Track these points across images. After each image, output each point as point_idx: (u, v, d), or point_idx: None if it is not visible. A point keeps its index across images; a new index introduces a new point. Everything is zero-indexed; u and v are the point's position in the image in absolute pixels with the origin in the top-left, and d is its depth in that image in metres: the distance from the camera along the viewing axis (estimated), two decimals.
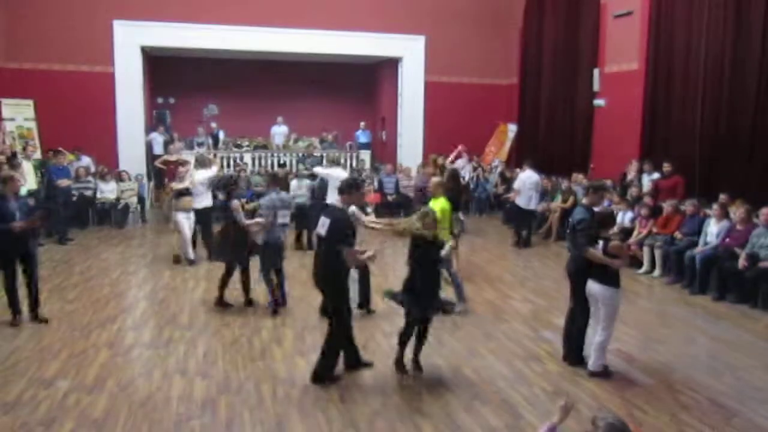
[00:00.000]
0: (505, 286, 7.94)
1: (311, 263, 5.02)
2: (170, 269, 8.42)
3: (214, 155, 14.40)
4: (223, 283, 6.74)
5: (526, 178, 10.49)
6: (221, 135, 16.29)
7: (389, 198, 13.17)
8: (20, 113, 11.76)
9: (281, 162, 15.04)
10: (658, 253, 8.42)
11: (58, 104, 12.41)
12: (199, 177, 8.74)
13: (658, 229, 8.60)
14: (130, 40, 13.30)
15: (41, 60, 12.88)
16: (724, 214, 7.89)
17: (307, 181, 9.95)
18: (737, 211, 7.76)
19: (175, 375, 4.97)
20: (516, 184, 10.77)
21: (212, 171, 9.14)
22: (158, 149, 14.05)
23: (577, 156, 12.71)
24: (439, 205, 6.41)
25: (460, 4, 14.90)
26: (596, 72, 12.23)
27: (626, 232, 8.75)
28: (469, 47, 15.08)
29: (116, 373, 4.97)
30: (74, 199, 11.29)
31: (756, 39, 8.90)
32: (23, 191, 7.46)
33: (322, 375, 4.80)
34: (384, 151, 17.14)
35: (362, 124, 17.12)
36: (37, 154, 10.94)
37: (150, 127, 14.78)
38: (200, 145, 15.22)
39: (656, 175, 9.83)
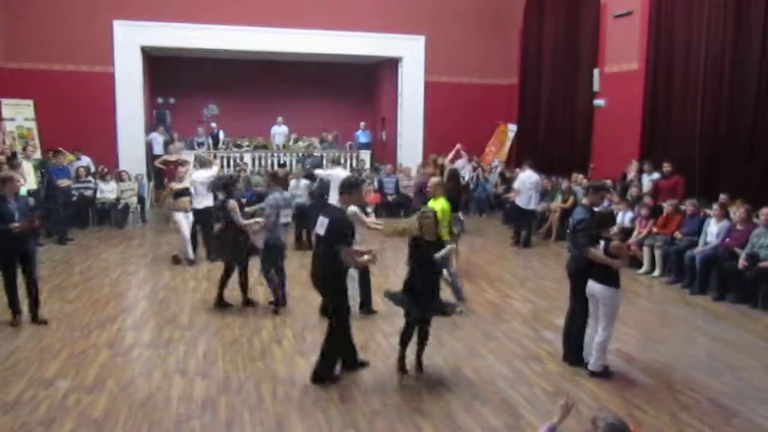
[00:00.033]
0: (505, 286, 7.94)
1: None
2: (170, 269, 8.43)
3: (214, 155, 14.42)
4: (223, 283, 6.75)
5: (526, 178, 10.49)
6: (221, 135, 16.29)
7: (389, 198, 13.19)
8: (20, 113, 11.76)
9: (281, 162, 15.07)
10: (658, 253, 8.42)
11: (58, 104, 12.41)
12: (199, 177, 8.75)
13: (658, 229, 8.60)
14: (130, 40, 13.30)
15: (41, 60, 12.88)
16: (724, 214, 7.89)
17: (304, 182, 9.95)
18: (737, 211, 7.76)
19: (175, 375, 4.97)
20: (516, 184, 10.77)
21: (213, 171, 9.15)
22: (158, 149, 14.05)
23: (577, 156, 12.72)
24: (438, 205, 6.41)
25: (460, 4, 14.90)
26: (596, 72, 12.23)
27: (626, 232, 8.75)
28: (469, 47, 15.09)
29: (116, 373, 4.97)
30: (74, 199, 11.29)
31: (756, 39, 8.90)
32: (23, 191, 7.45)
33: (322, 375, 4.80)
34: (384, 151, 17.14)
35: (362, 124, 17.13)
36: (37, 154, 10.95)
37: (150, 127, 14.79)
38: (200, 145, 15.24)
39: (656, 175, 9.83)
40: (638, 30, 11.14)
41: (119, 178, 12.19)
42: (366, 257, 4.90)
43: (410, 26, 14.70)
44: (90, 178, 11.89)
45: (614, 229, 5.15)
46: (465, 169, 13.23)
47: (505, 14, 15.17)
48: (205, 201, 8.65)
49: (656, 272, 8.41)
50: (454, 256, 7.07)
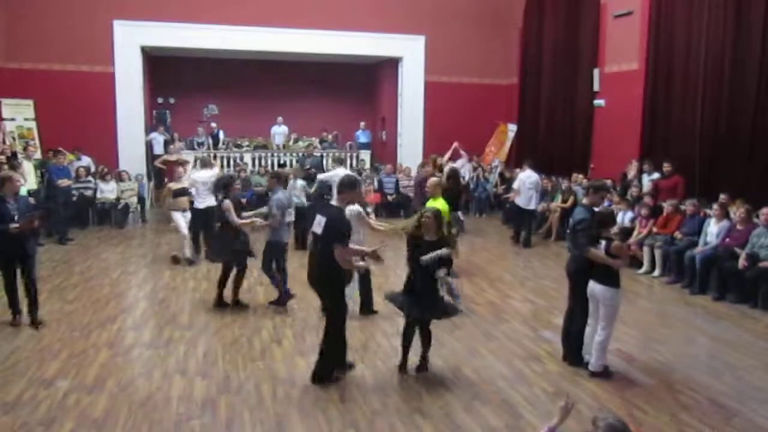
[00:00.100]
0: (505, 286, 7.94)
1: None
2: (170, 269, 8.43)
3: (214, 155, 14.45)
4: (222, 283, 6.76)
5: (526, 177, 10.50)
6: (221, 135, 16.30)
7: (389, 198, 13.19)
8: (20, 113, 11.77)
9: (281, 162, 15.08)
10: (658, 253, 8.42)
11: (58, 104, 12.41)
12: (201, 177, 8.77)
13: (658, 229, 8.60)
14: (130, 40, 13.30)
15: (41, 60, 12.88)
16: (724, 214, 7.89)
17: (300, 182, 9.95)
18: (737, 211, 7.76)
19: (175, 375, 4.97)
20: (515, 184, 10.79)
21: (215, 171, 9.18)
22: (158, 149, 14.06)
23: (577, 156, 12.72)
24: (437, 205, 6.40)
25: (460, 4, 14.90)
26: (596, 72, 12.23)
27: (626, 232, 8.73)
28: (469, 47, 15.09)
29: (116, 373, 4.97)
30: (74, 199, 11.30)
31: (756, 39, 8.90)
32: (23, 191, 7.45)
33: (322, 375, 4.80)
34: (384, 151, 17.14)
35: (362, 124, 17.13)
36: (38, 154, 10.95)
37: (150, 127, 14.79)
38: (200, 145, 15.26)
39: (656, 175, 9.83)
40: (638, 30, 11.14)
41: (119, 178, 12.19)
42: (361, 263, 4.89)
43: (410, 26, 14.70)
44: (90, 178, 11.89)
45: (614, 229, 5.14)
46: (465, 169, 13.23)
47: (505, 14, 15.16)
48: (207, 201, 8.66)
49: (656, 272, 8.41)
50: (454, 256, 7.07)
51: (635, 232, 8.77)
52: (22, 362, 5.16)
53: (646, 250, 8.61)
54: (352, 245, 5.26)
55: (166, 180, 10.86)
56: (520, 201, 10.47)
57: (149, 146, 14.23)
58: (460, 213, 9.25)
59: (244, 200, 12.52)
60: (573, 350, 5.25)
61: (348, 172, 9.74)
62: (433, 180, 7.43)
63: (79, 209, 11.40)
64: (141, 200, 12.42)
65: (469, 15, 14.98)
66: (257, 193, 13.03)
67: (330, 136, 17.35)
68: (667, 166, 9.53)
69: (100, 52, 13.10)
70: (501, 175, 13.85)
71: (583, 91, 12.64)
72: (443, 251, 4.78)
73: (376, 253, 4.96)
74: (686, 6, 10.09)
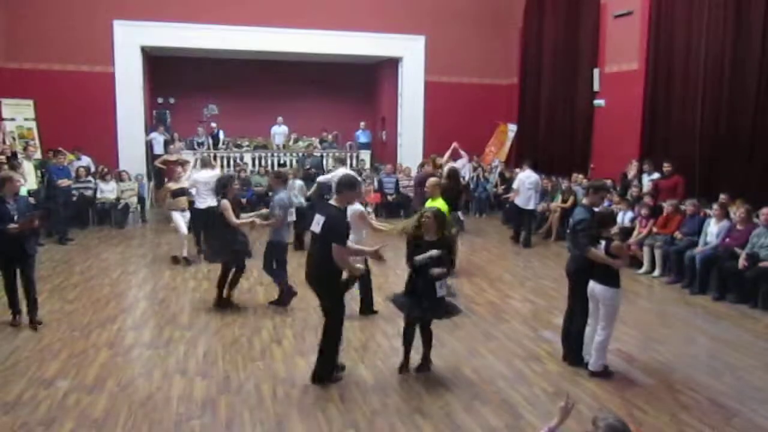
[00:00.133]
0: (505, 286, 7.95)
1: None
2: (170, 269, 8.44)
3: (214, 155, 14.45)
4: (221, 283, 6.76)
5: (525, 177, 10.52)
6: (221, 135, 16.30)
7: (389, 198, 13.19)
8: (20, 113, 11.78)
9: (281, 162, 15.08)
10: (658, 253, 8.42)
11: (58, 104, 12.41)
12: (202, 177, 8.78)
13: (658, 229, 8.60)
14: (130, 40, 13.30)
15: (41, 60, 12.88)
16: (724, 214, 7.89)
17: (298, 182, 9.95)
18: (737, 211, 7.76)
19: (175, 375, 4.97)
20: (515, 184, 10.81)
21: (216, 171, 9.20)
22: (158, 149, 14.06)
23: (577, 156, 12.72)
24: (436, 205, 6.41)
25: (460, 4, 14.90)
26: (596, 72, 12.23)
27: (626, 232, 8.74)
28: (469, 47, 15.08)
29: (116, 373, 4.97)
30: (74, 199, 11.30)
31: (756, 39, 8.90)
32: (23, 191, 7.45)
33: (322, 375, 4.80)
34: (384, 151, 17.14)
35: (362, 124, 17.12)
36: (38, 154, 10.96)
37: (150, 127, 14.78)
38: (200, 145, 15.26)
39: (656, 175, 9.83)
40: (638, 30, 11.14)
41: (119, 178, 12.20)
42: (358, 266, 4.88)
43: (410, 26, 14.70)
44: (90, 178, 11.90)
45: (614, 229, 5.14)
46: (465, 169, 13.24)
47: (505, 14, 15.16)
48: (208, 201, 8.66)
49: (656, 272, 8.41)
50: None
51: (635, 232, 8.78)
52: (22, 362, 5.16)
53: (646, 250, 8.61)
54: (353, 245, 5.27)
55: (166, 180, 10.87)
56: (519, 201, 10.49)
57: (149, 146, 14.23)
58: (460, 213, 9.25)
59: (244, 200, 12.60)
60: (573, 350, 5.25)
61: (349, 171, 9.74)
62: (432, 180, 7.43)
63: (79, 209, 11.41)
64: (141, 200, 12.42)
65: (469, 15, 14.98)
66: (257, 193, 13.04)
67: (330, 136, 17.35)
68: (667, 166, 9.52)
69: (100, 52, 13.10)
70: (501, 175, 13.85)
71: (583, 91, 12.64)
72: (434, 252, 4.79)
73: (378, 252, 4.96)
74: (686, 6, 10.09)
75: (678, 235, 8.31)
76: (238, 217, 6.66)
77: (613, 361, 5.27)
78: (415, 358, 5.10)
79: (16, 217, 5.70)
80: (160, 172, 12.45)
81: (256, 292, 7.35)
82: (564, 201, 10.88)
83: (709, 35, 9.63)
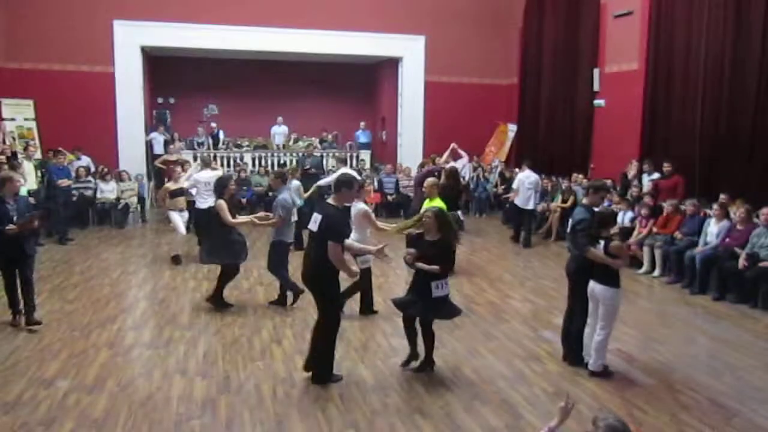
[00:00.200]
0: (505, 286, 7.95)
1: None
2: (170, 269, 8.44)
3: (214, 155, 14.46)
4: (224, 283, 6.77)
5: (525, 177, 10.53)
6: (221, 135, 16.30)
7: (389, 198, 13.19)
8: (20, 113, 11.78)
9: (281, 162, 15.08)
10: (658, 253, 8.42)
11: (58, 104, 12.41)
12: (203, 177, 8.79)
13: (658, 229, 8.60)
14: (130, 40, 13.30)
15: (41, 60, 12.88)
16: (724, 214, 7.89)
17: (296, 182, 9.95)
18: (737, 211, 7.76)
19: (175, 375, 4.97)
20: (514, 184, 10.82)
21: (218, 171, 9.21)
22: (158, 149, 14.06)
23: (577, 156, 12.72)
24: (434, 205, 6.42)
25: (460, 4, 14.90)
26: (596, 72, 12.23)
27: (626, 232, 8.75)
28: (469, 47, 15.08)
29: (116, 373, 4.97)
30: (74, 199, 11.31)
31: (756, 39, 8.90)
32: (23, 191, 7.45)
33: (322, 375, 4.80)
34: (384, 151, 17.14)
35: (362, 124, 17.12)
36: (38, 154, 10.96)
37: (150, 127, 14.79)
38: (200, 145, 15.27)
39: (656, 175, 9.82)
40: (638, 30, 11.14)
41: (119, 178, 12.20)
42: (354, 268, 4.87)
43: (410, 26, 14.69)
44: (90, 178, 11.90)
45: (614, 229, 5.14)
46: (465, 169, 13.24)
47: (505, 14, 15.16)
48: (209, 201, 8.66)
49: (656, 272, 8.41)
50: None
51: (635, 232, 8.78)
52: (22, 362, 5.16)
53: (646, 250, 8.61)
54: (355, 243, 5.27)
55: (166, 180, 10.88)
56: (519, 201, 10.50)
57: (149, 146, 14.23)
58: (460, 213, 9.25)
59: (243, 200, 12.62)
60: (573, 350, 5.25)
61: (353, 172, 9.75)
62: (430, 180, 7.44)
63: (79, 209, 11.41)
64: (141, 200, 12.42)
65: (469, 15, 14.98)
66: (257, 193, 13.04)
67: (330, 136, 17.35)
68: (667, 166, 9.52)
69: (100, 52, 13.10)
70: (501, 175, 13.85)
71: (583, 91, 12.63)
72: (412, 250, 4.89)
73: (382, 250, 4.97)
74: (686, 6, 10.09)
75: (678, 235, 8.31)
76: (234, 217, 6.66)
77: (613, 361, 5.27)
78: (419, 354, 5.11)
79: (15, 218, 5.70)
80: (160, 172, 12.46)
81: (256, 292, 7.36)
82: (564, 201, 10.88)
83: (709, 35, 9.63)
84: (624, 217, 9.05)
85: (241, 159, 15.29)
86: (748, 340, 6.07)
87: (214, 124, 16.62)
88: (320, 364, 4.81)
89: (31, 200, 7.66)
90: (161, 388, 4.72)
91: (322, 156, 15.36)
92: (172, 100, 17.38)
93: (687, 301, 7.38)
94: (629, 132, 11.13)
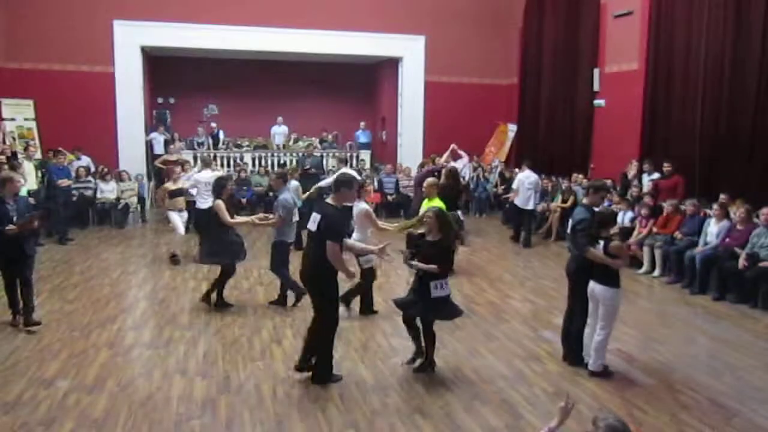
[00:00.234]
0: (505, 286, 7.95)
1: None
2: (170, 269, 8.45)
3: (214, 155, 14.45)
4: (220, 282, 6.77)
5: (524, 177, 10.54)
6: (221, 135, 16.30)
7: (389, 198, 13.19)
8: (20, 113, 11.79)
9: (281, 162, 15.08)
10: (658, 253, 8.42)
11: (58, 104, 12.41)
12: (203, 177, 8.79)
13: (658, 229, 8.60)
14: (130, 40, 13.30)
15: (41, 60, 12.88)
16: (724, 214, 7.89)
17: (295, 183, 9.96)
18: (737, 211, 7.76)
19: (175, 375, 4.97)
20: (514, 184, 10.82)
21: (219, 172, 9.22)
22: (159, 149, 14.06)
23: (577, 156, 12.72)
24: (433, 205, 6.41)
25: (460, 4, 14.90)
26: (596, 72, 12.23)
27: (626, 232, 8.75)
28: (469, 47, 15.08)
29: (116, 373, 4.97)
30: (74, 199, 11.31)
31: (756, 39, 8.90)
32: (23, 191, 7.44)
33: (322, 375, 4.80)
34: (384, 151, 17.14)
35: (362, 124, 17.12)
36: (38, 154, 10.96)
37: (150, 127, 14.79)
38: (200, 145, 15.27)
39: (656, 175, 9.82)
40: (638, 30, 11.14)
41: (119, 178, 12.20)
42: (351, 269, 4.87)
43: (410, 26, 14.69)
44: (90, 178, 11.90)
45: (614, 229, 5.14)
46: (465, 169, 13.23)
47: (505, 14, 15.16)
48: (209, 201, 8.65)
49: (656, 272, 8.41)
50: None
51: (635, 232, 8.78)
52: (22, 362, 5.16)
53: (646, 250, 8.61)
54: (356, 243, 5.27)
55: (165, 180, 10.89)
56: (518, 201, 10.50)
57: (149, 146, 14.23)
58: (460, 213, 9.25)
59: (244, 200, 12.62)
60: (573, 350, 5.25)
61: (354, 172, 9.75)
62: (429, 180, 7.45)
63: (79, 209, 11.41)
64: (141, 200, 12.42)
65: (469, 15, 14.98)
66: (257, 193, 13.04)
67: (330, 136, 17.35)
68: (667, 166, 9.52)
69: (100, 52, 13.10)
70: (501, 175, 13.85)
71: (583, 91, 12.63)
72: (404, 249, 4.95)
73: (384, 249, 4.98)
74: (686, 6, 10.09)
75: (678, 235, 8.31)
76: (233, 217, 6.67)
77: (613, 361, 5.27)
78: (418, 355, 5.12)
79: (15, 218, 5.69)
80: (160, 172, 12.46)
81: (256, 292, 7.36)
82: (564, 201, 10.88)
83: (709, 35, 9.63)
84: (624, 217, 9.05)
85: (241, 159, 15.28)
86: (748, 340, 6.07)
87: (214, 124, 16.62)
88: (320, 365, 4.81)
89: (31, 200, 7.66)
90: (161, 388, 4.72)
91: (322, 156, 15.36)
92: (172, 100, 17.38)
93: (687, 301, 7.38)
94: (629, 132, 11.13)
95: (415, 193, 10.79)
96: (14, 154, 10.07)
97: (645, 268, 8.55)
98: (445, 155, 10.13)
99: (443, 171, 8.74)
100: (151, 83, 15.39)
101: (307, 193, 9.52)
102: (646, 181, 10.03)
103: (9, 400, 4.46)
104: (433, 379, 4.96)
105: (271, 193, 11.94)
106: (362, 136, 16.96)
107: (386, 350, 5.55)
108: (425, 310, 4.89)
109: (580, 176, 11.49)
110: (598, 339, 4.97)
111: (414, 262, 4.87)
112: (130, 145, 13.49)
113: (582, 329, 5.18)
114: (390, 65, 16.03)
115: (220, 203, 6.55)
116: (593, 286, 4.97)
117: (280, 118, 16.70)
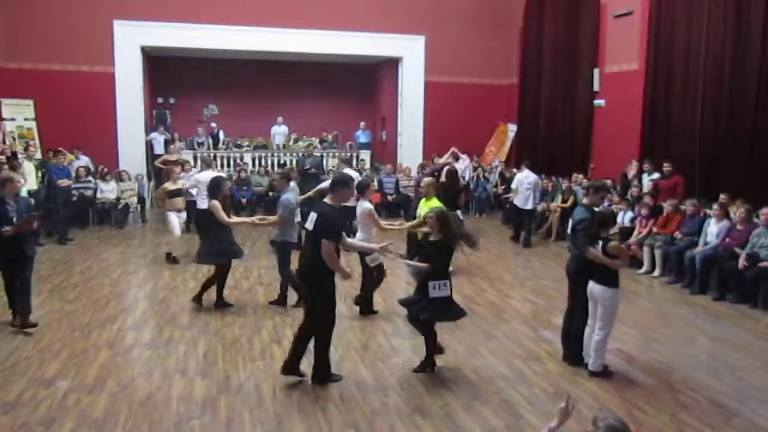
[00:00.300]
0: (505, 286, 7.95)
1: None
2: (170, 269, 8.44)
3: (214, 155, 14.46)
4: (221, 283, 6.78)
5: (524, 178, 10.54)
6: (221, 135, 16.31)
7: (389, 198, 13.19)
8: (20, 113, 11.78)
9: (281, 162, 15.08)
10: (658, 253, 8.42)
11: (58, 104, 12.41)
12: (204, 177, 8.79)
13: (658, 229, 8.60)
14: (130, 40, 13.30)
15: (41, 60, 12.88)
16: (724, 214, 7.89)
17: (292, 183, 9.95)
18: (737, 211, 7.76)
19: (175, 375, 4.97)
20: (514, 184, 10.82)
21: (221, 172, 9.23)
22: (159, 149, 14.07)
23: (577, 156, 12.72)
24: (431, 205, 6.43)
25: (460, 4, 14.90)
26: (596, 72, 12.23)
27: (626, 232, 8.75)
28: (469, 47, 15.08)
29: (116, 373, 4.97)
30: (74, 199, 11.30)
31: (756, 39, 8.90)
32: (24, 191, 7.44)
33: (321, 375, 4.80)
34: (384, 151, 17.14)
35: (362, 124, 17.13)
36: (38, 154, 10.96)
37: (150, 127, 14.79)
38: (200, 145, 15.27)
39: (656, 175, 9.82)
40: (638, 30, 11.14)
41: (119, 178, 12.19)
42: (347, 269, 4.87)
43: (410, 26, 14.69)
44: (90, 178, 11.89)
45: (614, 229, 5.14)
46: (465, 169, 13.23)
47: (505, 14, 15.16)
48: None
49: (656, 272, 8.40)
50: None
51: (635, 232, 8.78)
52: (22, 362, 5.16)
53: (646, 250, 8.60)
54: (357, 242, 5.27)
55: (165, 180, 10.89)
56: (518, 201, 10.51)
57: (149, 146, 14.23)
58: (460, 213, 9.25)
59: (243, 200, 12.62)
60: (573, 350, 5.25)
61: (355, 172, 9.74)
62: (427, 180, 7.44)
63: (79, 209, 11.41)
64: (141, 200, 12.42)
65: (469, 15, 14.98)
66: (257, 193, 13.04)
67: (330, 136, 17.35)
68: (667, 166, 9.52)
69: (100, 52, 13.10)
70: (501, 175, 13.85)
71: (583, 91, 12.63)
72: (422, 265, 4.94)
73: (386, 248, 4.98)
74: (686, 6, 10.09)
75: (678, 235, 8.31)
76: (230, 216, 6.68)
77: (613, 361, 5.27)
78: (420, 356, 5.12)
79: (15, 219, 5.69)
80: (160, 172, 12.46)
81: (256, 292, 7.36)
82: (564, 201, 10.88)
83: (709, 35, 9.63)
84: (624, 217, 9.05)
85: (241, 159, 15.29)
86: (748, 340, 6.07)
87: (214, 124, 16.62)
88: (318, 365, 4.80)
89: (32, 200, 7.65)
90: (161, 388, 4.72)
91: (322, 156, 15.37)
92: (172, 100, 17.39)
93: (687, 301, 7.38)
94: (629, 132, 11.13)
95: (415, 193, 10.80)
96: (14, 154, 10.07)
97: (645, 268, 8.54)
98: (445, 156, 10.13)
99: (444, 171, 8.74)
100: (151, 83, 15.39)
101: (307, 194, 9.50)
102: (646, 181, 10.03)
103: (9, 400, 4.46)
104: (433, 379, 4.96)
105: (271, 193, 11.95)
106: (362, 136, 16.96)
107: (386, 350, 5.55)
108: (424, 309, 4.89)
109: (580, 176, 11.49)
110: (597, 339, 4.97)
111: (407, 261, 4.89)
112: (130, 145, 13.49)
113: (582, 329, 5.18)
114: (390, 65, 16.03)
115: (216, 203, 6.56)
116: (592, 286, 4.97)
117: (280, 118, 16.71)
